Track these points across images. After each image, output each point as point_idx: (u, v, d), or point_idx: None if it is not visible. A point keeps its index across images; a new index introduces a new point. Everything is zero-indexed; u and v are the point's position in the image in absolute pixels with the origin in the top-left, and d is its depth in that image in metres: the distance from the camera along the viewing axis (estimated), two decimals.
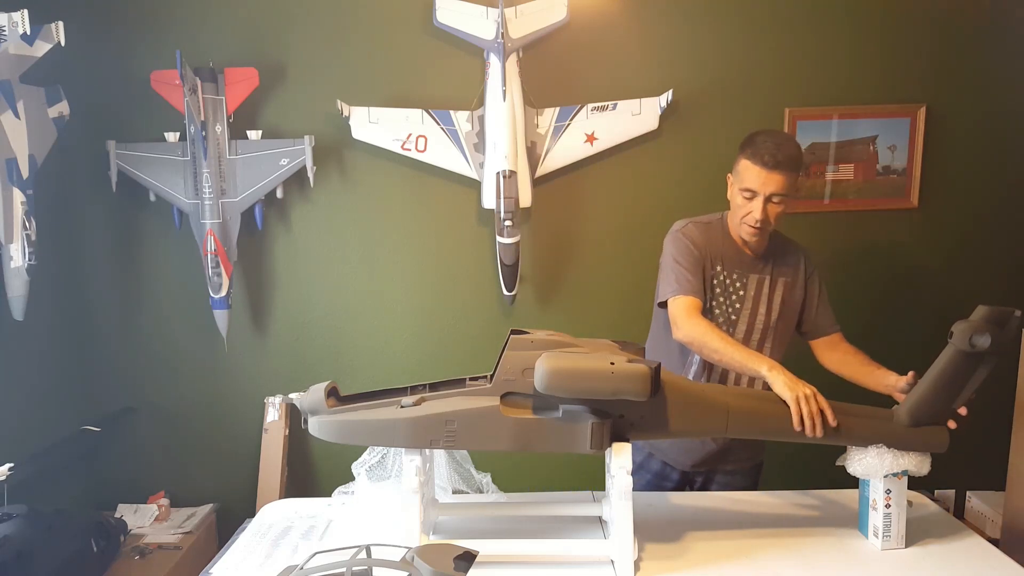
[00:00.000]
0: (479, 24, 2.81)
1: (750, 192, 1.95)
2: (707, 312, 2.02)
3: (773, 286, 2.06)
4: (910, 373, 1.78)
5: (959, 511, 3.07)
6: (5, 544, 2.17)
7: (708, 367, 2.05)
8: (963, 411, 1.65)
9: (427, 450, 1.59)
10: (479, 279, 3.03)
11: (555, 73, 2.93)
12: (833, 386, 1.81)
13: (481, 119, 2.88)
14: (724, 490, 2.14)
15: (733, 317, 2.05)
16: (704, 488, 2.20)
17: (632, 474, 1.51)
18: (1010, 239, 3.04)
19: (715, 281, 2.04)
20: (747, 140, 2.00)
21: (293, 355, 3.08)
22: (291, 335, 3.08)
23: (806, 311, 2.12)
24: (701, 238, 2.03)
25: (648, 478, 2.19)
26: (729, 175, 2.06)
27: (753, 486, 2.23)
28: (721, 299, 2.05)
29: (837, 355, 2.08)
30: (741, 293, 2.05)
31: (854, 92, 2.94)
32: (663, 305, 2.02)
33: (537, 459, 3.01)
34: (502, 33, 2.75)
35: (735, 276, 2.05)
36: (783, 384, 1.64)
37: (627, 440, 1.54)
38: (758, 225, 1.96)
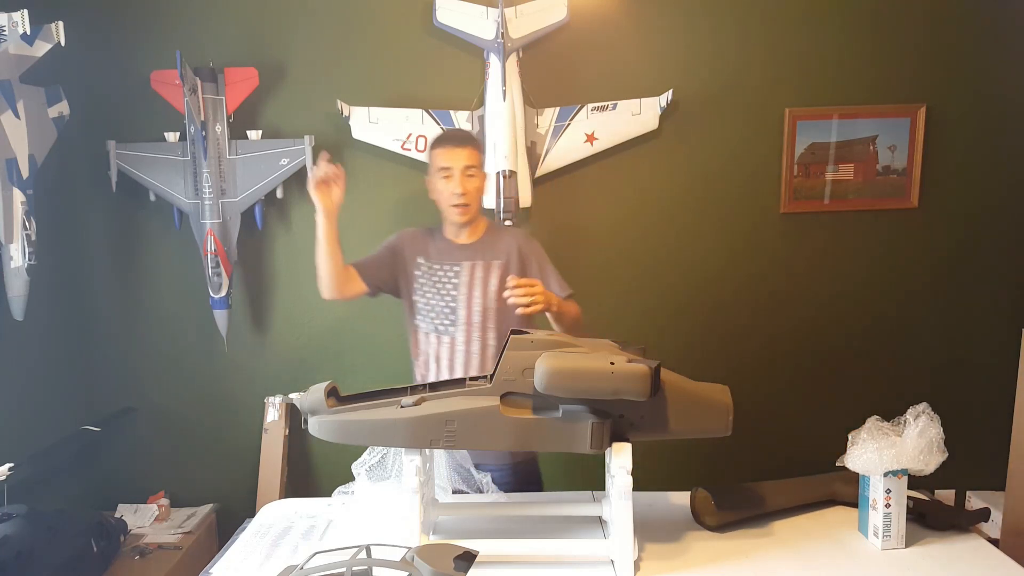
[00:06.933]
0: (479, 24, 2.81)
1: (447, 170, 2.13)
2: (421, 302, 2.22)
3: (487, 270, 2.20)
4: None
5: None
6: (5, 544, 2.17)
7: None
8: None
9: (427, 450, 1.59)
10: None
11: (555, 73, 2.93)
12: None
13: (481, 119, 2.87)
14: (502, 486, 2.00)
15: (452, 304, 2.18)
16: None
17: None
18: (1010, 239, 3.04)
19: (418, 273, 2.22)
20: (432, 143, 2.23)
21: (293, 355, 3.08)
22: (291, 335, 3.08)
23: None
24: (407, 239, 2.27)
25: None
26: (426, 181, 2.21)
27: (536, 483, 2.24)
28: (435, 289, 2.20)
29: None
30: (456, 281, 2.19)
31: (854, 92, 2.94)
32: None
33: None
34: (502, 33, 2.75)
35: (446, 267, 2.20)
36: None
37: (627, 440, 1.54)
38: (463, 200, 2.13)
